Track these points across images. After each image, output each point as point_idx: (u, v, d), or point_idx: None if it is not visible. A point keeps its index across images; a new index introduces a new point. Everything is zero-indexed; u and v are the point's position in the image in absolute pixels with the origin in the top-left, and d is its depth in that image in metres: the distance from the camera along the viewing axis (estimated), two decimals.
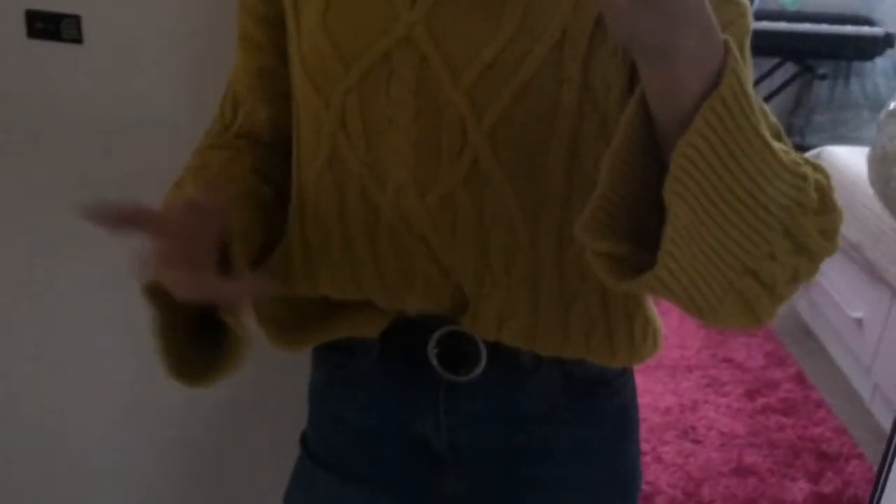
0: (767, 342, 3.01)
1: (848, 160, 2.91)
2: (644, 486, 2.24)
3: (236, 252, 0.75)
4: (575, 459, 0.89)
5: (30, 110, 1.11)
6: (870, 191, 2.69)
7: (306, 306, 0.88)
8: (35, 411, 1.29)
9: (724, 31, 0.61)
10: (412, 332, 0.83)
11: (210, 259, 0.70)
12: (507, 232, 0.77)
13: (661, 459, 2.37)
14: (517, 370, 0.84)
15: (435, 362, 0.83)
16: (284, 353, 0.90)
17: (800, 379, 2.81)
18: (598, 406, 0.88)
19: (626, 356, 0.84)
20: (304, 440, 0.96)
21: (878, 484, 1.57)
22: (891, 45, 3.86)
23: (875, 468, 2.19)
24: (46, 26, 1.05)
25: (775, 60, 3.93)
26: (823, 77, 4.03)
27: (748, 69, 0.73)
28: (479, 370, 0.83)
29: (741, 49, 0.72)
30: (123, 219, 0.64)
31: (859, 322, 2.71)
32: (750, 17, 0.74)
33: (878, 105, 3.65)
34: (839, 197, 0.71)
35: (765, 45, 3.64)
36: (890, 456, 1.52)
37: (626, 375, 0.90)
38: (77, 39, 1.06)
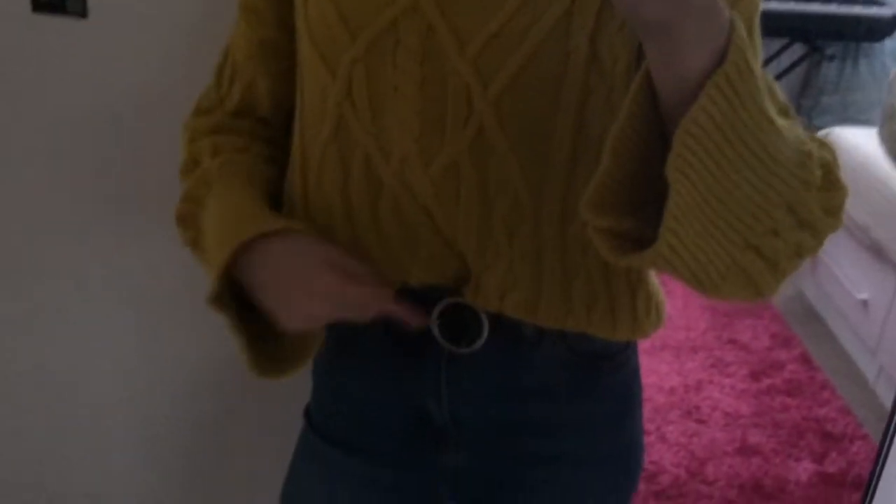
0: (773, 323, 3.01)
1: (856, 141, 2.90)
2: (648, 466, 2.25)
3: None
4: (577, 434, 0.89)
5: (34, 85, 1.11)
6: (877, 172, 2.69)
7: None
8: (35, 411, 1.30)
9: (733, 9, 0.61)
10: (414, 303, 0.84)
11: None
12: (510, 203, 0.77)
13: (665, 439, 2.38)
14: (519, 343, 0.84)
15: (437, 334, 0.83)
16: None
17: (805, 360, 2.81)
18: (601, 381, 0.88)
19: (629, 330, 0.84)
20: (307, 413, 0.97)
21: (879, 461, 1.57)
22: None
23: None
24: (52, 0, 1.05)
25: (783, 41, 3.90)
26: (832, 58, 4.00)
27: (757, 47, 0.73)
28: (480, 342, 0.83)
29: (750, 27, 0.71)
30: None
31: (865, 303, 2.71)
32: None
33: (886, 86, 3.62)
34: (844, 174, 0.71)
35: (773, 25, 3.60)
36: (891, 434, 1.52)
37: (629, 350, 0.90)
38: (81, 13, 1.06)
